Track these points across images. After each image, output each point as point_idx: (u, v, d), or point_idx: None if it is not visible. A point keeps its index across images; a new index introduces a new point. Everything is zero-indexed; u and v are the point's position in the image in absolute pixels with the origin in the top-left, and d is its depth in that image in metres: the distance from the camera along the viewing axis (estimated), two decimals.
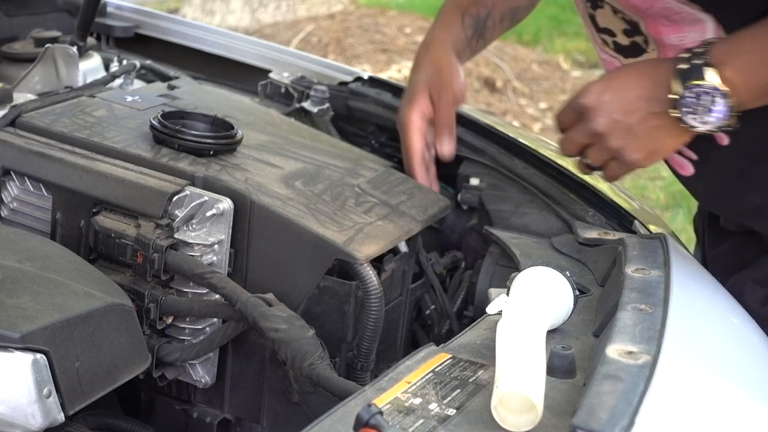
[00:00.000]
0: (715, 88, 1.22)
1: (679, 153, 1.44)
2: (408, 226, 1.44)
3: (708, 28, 1.31)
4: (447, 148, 1.63)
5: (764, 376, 1.19)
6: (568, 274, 1.15)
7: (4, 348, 1.03)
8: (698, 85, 1.22)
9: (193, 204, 1.33)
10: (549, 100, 5.48)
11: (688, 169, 1.46)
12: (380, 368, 1.42)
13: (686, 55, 1.24)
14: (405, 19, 6.51)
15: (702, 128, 1.25)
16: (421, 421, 0.94)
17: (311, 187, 1.43)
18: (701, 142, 1.35)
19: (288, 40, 5.80)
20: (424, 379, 1.03)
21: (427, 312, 1.58)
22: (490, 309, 1.09)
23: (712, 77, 1.22)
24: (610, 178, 1.39)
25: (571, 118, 1.35)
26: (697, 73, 1.23)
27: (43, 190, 1.40)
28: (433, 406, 0.97)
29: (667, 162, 1.49)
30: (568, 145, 1.38)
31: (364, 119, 1.83)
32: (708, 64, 1.22)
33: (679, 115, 1.25)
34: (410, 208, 1.48)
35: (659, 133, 1.29)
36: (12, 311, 1.06)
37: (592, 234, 1.45)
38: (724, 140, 1.37)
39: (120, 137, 1.45)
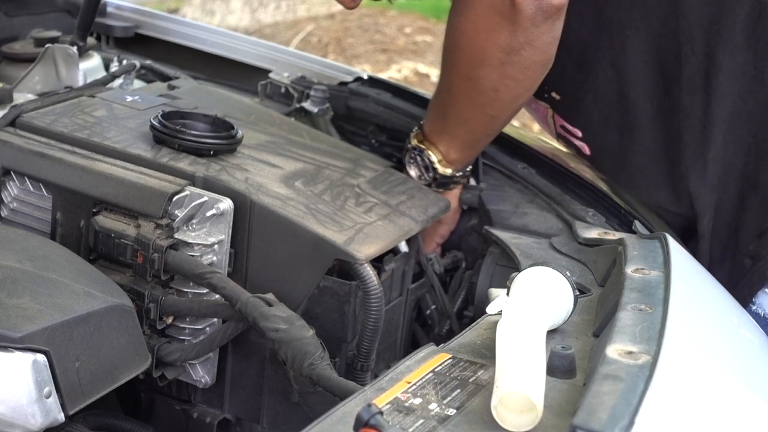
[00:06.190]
0: None
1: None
2: (408, 226, 1.44)
3: None
4: None
5: (764, 375, 1.19)
6: (568, 274, 1.15)
7: (4, 348, 1.03)
8: None
9: (193, 204, 1.33)
10: None
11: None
12: (380, 368, 1.43)
13: None
14: (405, 19, 6.51)
15: None
16: (421, 421, 0.94)
17: (311, 187, 1.43)
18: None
19: (288, 40, 5.81)
20: (424, 379, 1.02)
21: (427, 312, 1.58)
22: (490, 309, 1.09)
23: None
24: None
25: None
26: None
27: (43, 190, 1.40)
28: (433, 406, 0.97)
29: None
30: None
31: (364, 119, 1.83)
32: None
33: None
34: (410, 208, 1.48)
35: None
36: (12, 311, 1.06)
37: (592, 234, 1.45)
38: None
39: (120, 137, 1.45)
